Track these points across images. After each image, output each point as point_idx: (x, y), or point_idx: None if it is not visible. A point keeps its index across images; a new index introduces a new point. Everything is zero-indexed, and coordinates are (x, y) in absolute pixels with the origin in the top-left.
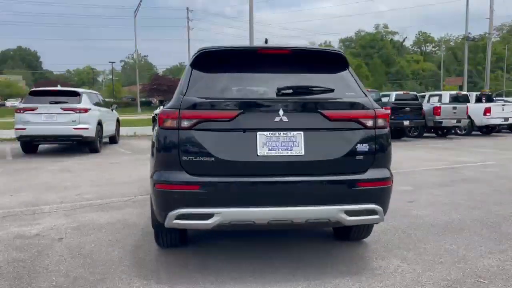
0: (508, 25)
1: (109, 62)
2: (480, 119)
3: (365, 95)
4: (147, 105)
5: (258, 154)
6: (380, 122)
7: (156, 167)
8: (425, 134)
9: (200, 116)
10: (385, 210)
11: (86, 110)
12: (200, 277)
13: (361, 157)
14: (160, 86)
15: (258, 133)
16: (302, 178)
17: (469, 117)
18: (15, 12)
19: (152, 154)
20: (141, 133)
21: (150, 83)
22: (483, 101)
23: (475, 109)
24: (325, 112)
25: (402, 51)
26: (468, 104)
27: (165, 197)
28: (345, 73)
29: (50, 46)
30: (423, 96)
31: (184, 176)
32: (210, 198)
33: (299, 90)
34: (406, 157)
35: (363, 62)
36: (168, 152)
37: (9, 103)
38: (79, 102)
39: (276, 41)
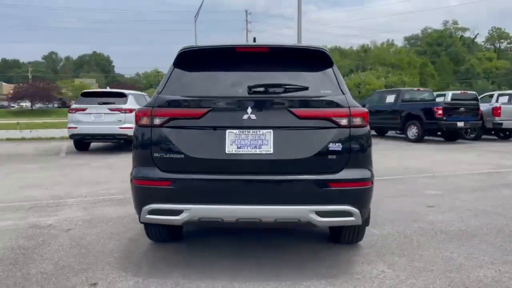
0: None
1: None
2: None
3: (343, 93)
4: None
5: (226, 152)
6: (356, 120)
7: (134, 163)
8: (485, 137)
9: (170, 114)
10: (364, 212)
11: (131, 111)
12: (176, 271)
13: (333, 156)
14: None
15: (227, 131)
16: (271, 177)
17: None
18: (92, 20)
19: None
20: None
21: None
22: None
23: None
24: (294, 110)
25: (473, 48)
26: None
27: (140, 192)
28: (326, 71)
29: (121, 51)
30: (491, 96)
31: (156, 172)
32: (180, 195)
33: (270, 89)
34: (451, 160)
35: (429, 60)
36: (143, 148)
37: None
38: (125, 103)
39: (332, 41)
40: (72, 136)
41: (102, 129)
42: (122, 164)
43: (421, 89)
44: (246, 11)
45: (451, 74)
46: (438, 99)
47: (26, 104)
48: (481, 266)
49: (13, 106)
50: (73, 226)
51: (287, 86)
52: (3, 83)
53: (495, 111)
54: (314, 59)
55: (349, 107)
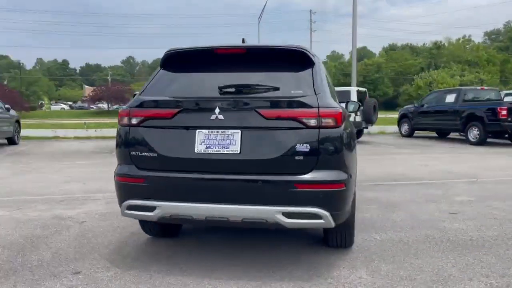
0: None
1: None
2: None
3: (315, 93)
4: None
5: (196, 151)
6: (326, 121)
7: (118, 161)
8: None
9: (145, 114)
10: (336, 215)
11: None
12: (155, 265)
13: (301, 157)
14: None
15: (197, 130)
16: (238, 177)
17: None
18: (163, 25)
19: None
20: None
21: None
22: None
23: None
24: (261, 111)
25: None
26: None
27: (120, 188)
28: (303, 70)
29: None
30: None
31: (133, 170)
32: (153, 192)
33: (239, 89)
34: (506, 165)
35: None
36: (122, 147)
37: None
38: None
39: (405, 38)
40: None
41: None
42: None
43: (486, 87)
44: (310, 11)
45: None
46: (507, 99)
47: (103, 105)
48: (471, 278)
49: (92, 107)
50: (88, 219)
51: (257, 87)
52: (86, 86)
53: None
54: (291, 58)
55: (318, 108)
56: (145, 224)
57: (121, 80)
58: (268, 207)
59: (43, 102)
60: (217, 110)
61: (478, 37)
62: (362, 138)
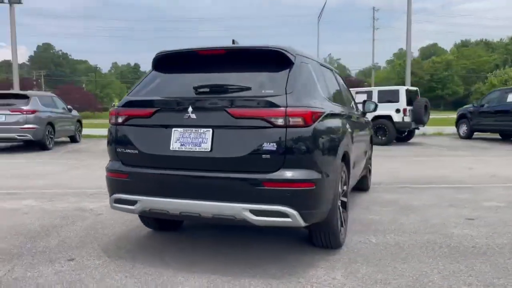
0: None
1: None
2: None
3: (286, 93)
4: None
5: (171, 148)
6: (294, 120)
7: (109, 157)
8: None
9: (128, 113)
10: (306, 215)
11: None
12: (140, 256)
13: (268, 156)
14: None
15: (173, 129)
16: (209, 174)
17: None
18: (224, 27)
19: None
20: None
21: None
22: None
23: None
24: (230, 110)
25: None
26: None
27: (109, 183)
28: (279, 70)
29: None
30: None
31: (119, 166)
32: (135, 187)
33: (212, 89)
34: None
35: None
36: (111, 144)
37: None
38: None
39: (479, 33)
40: None
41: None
42: None
43: None
44: (373, 8)
45: None
46: None
47: None
48: (451, 286)
49: None
50: (105, 212)
51: (229, 87)
52: None
53: None
54: (269, 59)
55: (286, 107)
56: (143, 217)
57: None
58: (236, 204)
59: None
60: (190, 110)
61: None
62: (414, 139)
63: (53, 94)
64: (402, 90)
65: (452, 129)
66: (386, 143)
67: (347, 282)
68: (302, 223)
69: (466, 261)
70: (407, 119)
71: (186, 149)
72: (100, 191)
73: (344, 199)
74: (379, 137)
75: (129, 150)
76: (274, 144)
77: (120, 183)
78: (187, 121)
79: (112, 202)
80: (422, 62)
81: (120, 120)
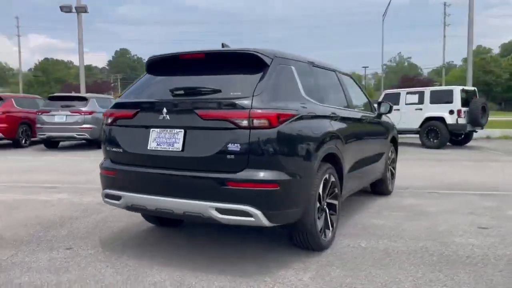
0: None
1: (363, 67)
2: None
3: (253, 95)
4: None
5: (148, 148)
6: (258, 122)
7: (103, 155)
8: None
9: (115, 114)
10: (271, 215)
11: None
12: (130, 250)
13: (232, 156)
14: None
15: (151, 129)
16: (180, 172)
17: None
18: (289, 28)
19: None
20: None
21: (397, 86)
22: None
23: None
24: (199, 111)
25: None
26: None
27: (101, 179)
28: (253, 72)
29: (322, 55)
30: None
31: (108, 163)
32: (120, 183)
33: (185, 91)
34: None
35: None
36: (103, 143)
37: None
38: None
39: None
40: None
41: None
42: None
43: None
44: (445, 3)
45: None
46: None
47: None
48: None
49: None
50: None
51: (201, 89)
52: None
53: None
54: (244, 61)
55: (250, 109)
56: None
57: None
58: (203, 202)
59: None
60: (164, 111)
61: None
62: (472, 143)
63: (111, 96)
64: (457, 90)
65: None
66: (438, 146)
67: (310, 284)
68: (266, 223)
69: (450, 271)
70: (462, 121)
71: (161, 149)
72: None
73: (333, 202)
74: (431, 140)
75: (115, 149)
76: (238, 145)
77: (109, 180)
78: (163, 122)
79: (103, 197)
80: (500, 60)
81: (109, 121)
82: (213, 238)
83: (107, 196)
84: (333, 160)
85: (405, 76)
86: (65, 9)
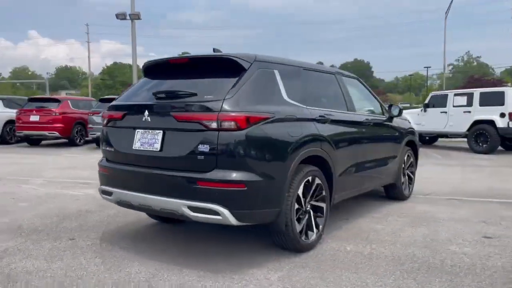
0: None
1: (424, 67)
2: None
3: (225, 98)
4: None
5: (133, 147)
6: (226, 124)
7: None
8: None
9: (109, 116)
10: (239, 214)
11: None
12: (123, 241)
13: (202, 157)
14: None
15: (137, 130)
16: (158, 171)
17: None
18: (353, 28)
19: None
20: None
21: (463, 86)
22: None
23: None
24: (174, 114)
25: None
26: None
27: (98, 176)
28: (231, 76)
29: (380, 56)
30: None
31: (104, 162)
32: (111, 180)
33: (165, 95)
34: None
35: None
36: (101, 143)
37: None
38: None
39: None
40: None
41: None
42: None
43: None
44: None
45: None
46: None
47: None
48: None
49: None
50: None
51: (179, 92)
52: None
53: None
54: (223, 66)
55: (219, 112)
56: None
57: None
58: (177, 200)
59: None
60: (146, 113)
61: None
62: None
63: None
64: (509, 92)
65: None
66: (488, 151)
67: (275, 283)
68: (234, 222)
69: (425, 279)
70: None
71: (144, 149)
72: None
73: (320, 204)
74: (480, 144)
75: (109, 148)
76: (208, 146)
77: (104, 177)
78: (145, 123)
79: (100, 192)
80: None
81: (105, 122)
82: (209, 236)
83: (102, 192)
84: (319, 162)
85: (471, 76)
86: (120, 16)
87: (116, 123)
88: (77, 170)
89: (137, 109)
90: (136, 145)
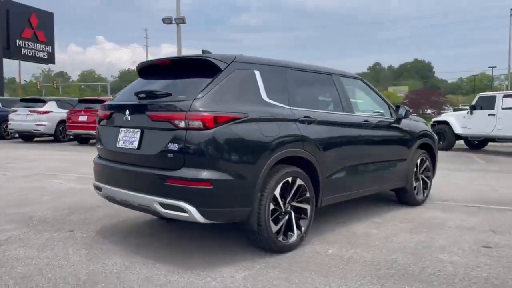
0: None
1: (489, 67)
2: None
3: (195, 98)
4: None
5: (117, 145)
6: (193, 124)
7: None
8: None
9: (101, 115)
10: (206, 212)
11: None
12: (119, 234)
13: (172, 155)
14: None
15: (121, 129)
16: (135, 168)
17: None
18: (413, 27)
19: None
20: None
21: None
22: None
23: None
24: (149, 113)
25: None
26: None
27: (93, 172)
28: (205, 76)
29: (443, 56)
30: None
31: (97, 159)
32: (101, 176)
33: (144, 95)
34: None
35: None
36: (96, 141)
37: None
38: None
39: None
40: None
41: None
42: None
43: None
44: None
45: None
46: None
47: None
48: None
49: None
50: None
51: (156, 93)
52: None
53: None
54: (200, 67)
55: (187, 111)
56: None
57: None
58: (150, 196)
59: None
60: (127, 113)
61: None
62: None
63: None
64: None
65: None
66: None
67: (237, 281)
68: (200, 219)
69: (395, 286)
70: None
71: (125, 146)
72: None
73: (303, 206)
74: None
75: (100, 146)
76: (177, 145)
77: (96, 173)
78: (127, 122)
79: (94, 187)
80: None
81: (98, 120)
82: (201, 234)
83: (95, 187)
84: (301, 163)
85: None
86: (167, 20)
87: (106, 122)
88: None
89: (121, 109)
90: (120, 143)
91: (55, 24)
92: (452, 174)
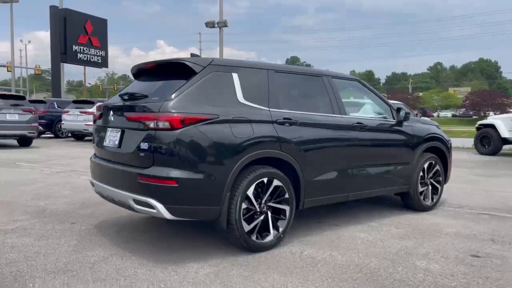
0: None
1: None
2: None
3: (167, 99)
4: None
5: (104, 144)
6: (161, 124)
7: None
8: None
9: (96, 116)
10: (173, 209)
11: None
12: (114, 229)
13: (143, 154)
14: None
15: (108, 128)
16: (116, 166)
17: None
18: (479, 25)
19: None
20: None
21: None
22: None
23: None
24: (126, 114)
25: None
26: None
27: (90, 169)
28: (180, 79)
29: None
30: None
31: (93, 157)
32: (93, 173)
33: (125, 97)
34: None
35: None
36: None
37: (442, 113)
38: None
39: None
40: None
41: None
42: None
43: None
44: None
45: None
46: None
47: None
48: None
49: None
50: None
51: (135, 94)
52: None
53: None
54: (178, 70)
55: (156, 112)
56: None
57: (424, 88)
58: (126, 193)
59: None
60: (111, 113)
61: None
62: None
63: None
64: None
65: None
66: None
67: (199, 277)
68: (168, 216)
69: None
70: None
71: (110, 145)
72: None
73: (281, 207)
74: None
75: (93, 145)
76: (147, 144)
77: (91, 170)
78: (111, 123)
79: (90, 183)
80: None
81: (93, 121)
82: (197, 230)
83: (90, 183)
84: (281, 164)
85: None
86: (209, 24)
87: (98, 122)
88: None
89: (108, 110)
90: (106, 142)
91: (119, 31)
92: (485, 180)
